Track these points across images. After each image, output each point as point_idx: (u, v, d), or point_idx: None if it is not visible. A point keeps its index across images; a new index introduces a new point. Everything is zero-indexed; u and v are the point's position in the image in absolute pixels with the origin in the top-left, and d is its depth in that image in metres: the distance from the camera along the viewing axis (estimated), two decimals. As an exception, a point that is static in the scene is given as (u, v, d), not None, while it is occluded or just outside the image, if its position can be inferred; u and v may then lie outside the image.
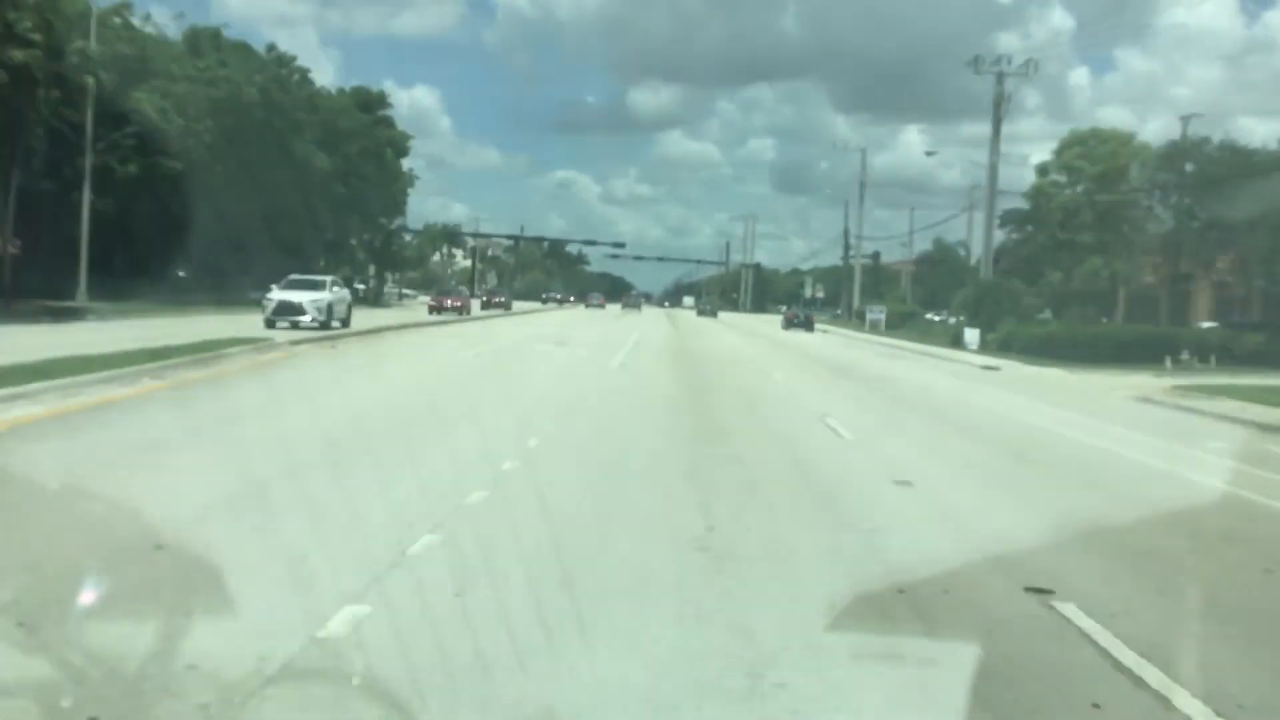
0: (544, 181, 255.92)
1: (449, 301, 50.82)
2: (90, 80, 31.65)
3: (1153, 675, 4.30)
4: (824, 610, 4.96)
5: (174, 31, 43.15)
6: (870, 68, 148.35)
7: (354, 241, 59.46)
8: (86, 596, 4.62)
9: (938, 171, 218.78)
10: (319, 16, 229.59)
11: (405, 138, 61.68)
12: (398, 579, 5.07)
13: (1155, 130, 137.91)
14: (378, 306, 53.77)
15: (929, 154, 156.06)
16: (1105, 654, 4.60)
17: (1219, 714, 3.93)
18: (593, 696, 3.83)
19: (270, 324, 25.47)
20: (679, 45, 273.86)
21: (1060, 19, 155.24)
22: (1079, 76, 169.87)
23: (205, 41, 44.49)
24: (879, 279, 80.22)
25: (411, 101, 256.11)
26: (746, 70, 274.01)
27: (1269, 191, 36.49)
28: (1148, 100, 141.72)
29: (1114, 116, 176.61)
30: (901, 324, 55.06)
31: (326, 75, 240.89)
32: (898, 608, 5.18)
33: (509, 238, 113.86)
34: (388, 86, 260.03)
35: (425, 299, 60.60)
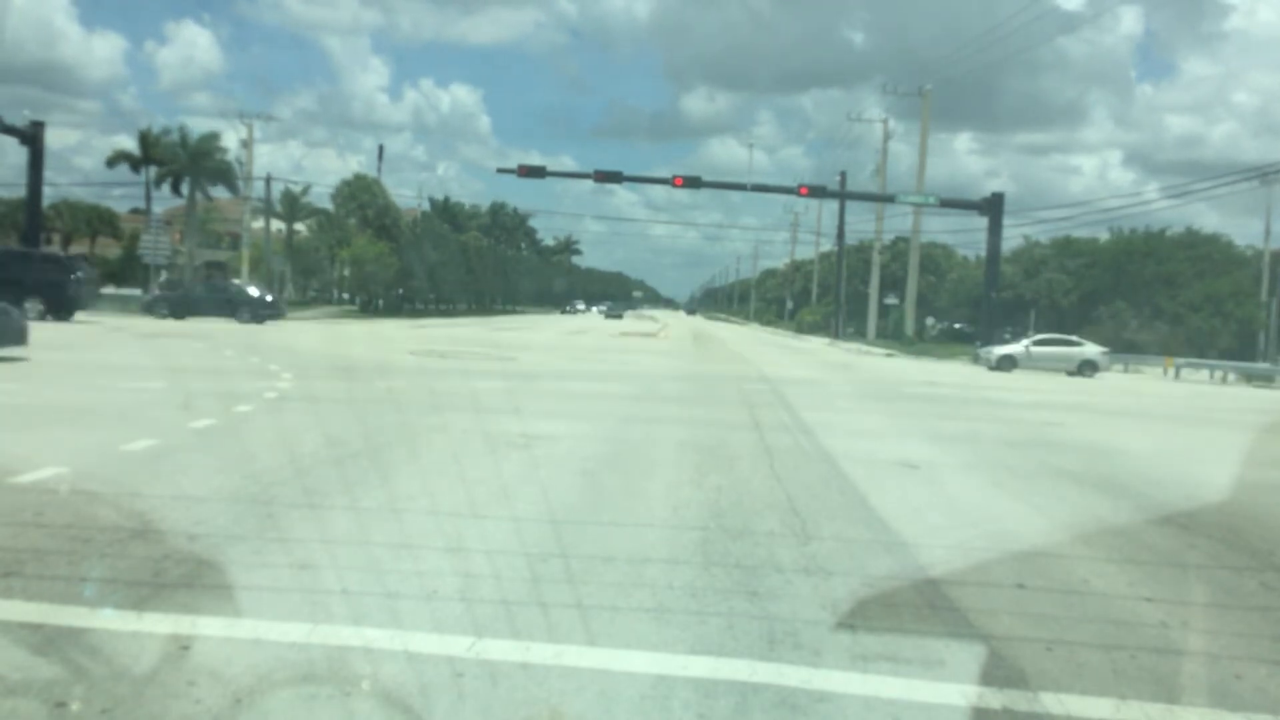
0: (579, 186, 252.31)
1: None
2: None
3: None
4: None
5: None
6: (924, 75, 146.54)
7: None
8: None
9: (983, 180, 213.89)
10: (376, 20, 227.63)
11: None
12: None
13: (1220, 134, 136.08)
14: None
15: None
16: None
17: None
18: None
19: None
20: (726, 53, 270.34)
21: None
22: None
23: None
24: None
25: (454, 101, 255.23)
26: (794, 78, 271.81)
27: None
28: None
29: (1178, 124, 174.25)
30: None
31: (381, 77, 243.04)
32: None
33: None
34: (427, 86, 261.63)
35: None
